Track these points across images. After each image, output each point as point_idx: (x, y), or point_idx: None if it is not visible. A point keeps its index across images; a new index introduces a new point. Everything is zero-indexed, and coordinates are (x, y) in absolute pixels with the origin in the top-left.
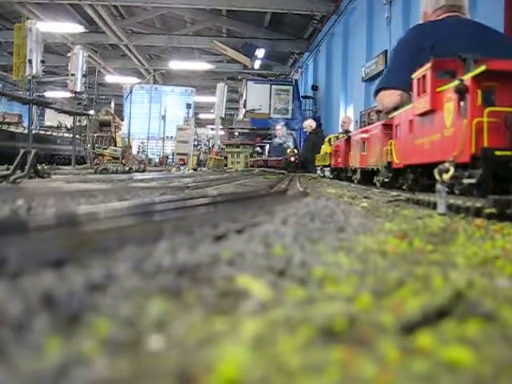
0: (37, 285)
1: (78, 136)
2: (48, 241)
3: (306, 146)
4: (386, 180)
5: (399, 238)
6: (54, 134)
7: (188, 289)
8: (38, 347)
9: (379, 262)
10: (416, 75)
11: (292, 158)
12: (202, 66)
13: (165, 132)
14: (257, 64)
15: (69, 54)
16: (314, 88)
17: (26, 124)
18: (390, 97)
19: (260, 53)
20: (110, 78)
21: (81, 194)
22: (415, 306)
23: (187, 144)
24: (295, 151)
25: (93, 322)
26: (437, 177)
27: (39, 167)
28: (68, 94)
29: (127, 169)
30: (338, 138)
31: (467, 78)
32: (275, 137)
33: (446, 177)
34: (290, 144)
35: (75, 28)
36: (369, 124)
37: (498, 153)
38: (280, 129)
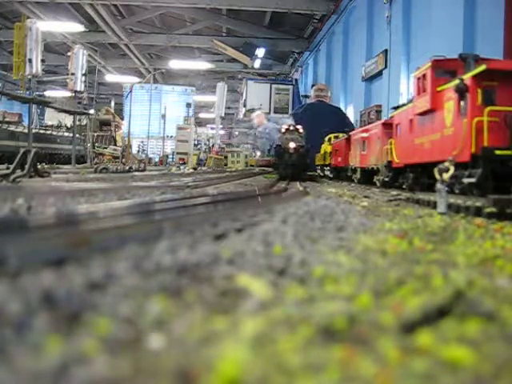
0: (37, 283)
1: (78, 135)
2: (48, 240)
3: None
4: (386, 179)
5: (399, 237)
6: (54, 133)
7: (188, 288)
8: (38, 346)
9: (379, 262)
10: (416, 74)
11: (292, 145)
12: (201, 65)
13: (165, 131)
14: (257, 63)
15: (69, 54)
16: None
17: (26, 123)
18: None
19: (260, 52)
20: (110, 78)
21: (81, 193)
22: (415, 306)
23: (187, 143)
24: (300, 131)
25: (93, 320)
26: (437, 176)
27: (39, 166)
28: (68, 94)
29: (127, 168)
30: (337, 137)
31: (467, 77)
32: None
33: (446, 176)
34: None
35: (75, 27)
36: (369, 123)
37: (498, 152)
38: (257, 116)
